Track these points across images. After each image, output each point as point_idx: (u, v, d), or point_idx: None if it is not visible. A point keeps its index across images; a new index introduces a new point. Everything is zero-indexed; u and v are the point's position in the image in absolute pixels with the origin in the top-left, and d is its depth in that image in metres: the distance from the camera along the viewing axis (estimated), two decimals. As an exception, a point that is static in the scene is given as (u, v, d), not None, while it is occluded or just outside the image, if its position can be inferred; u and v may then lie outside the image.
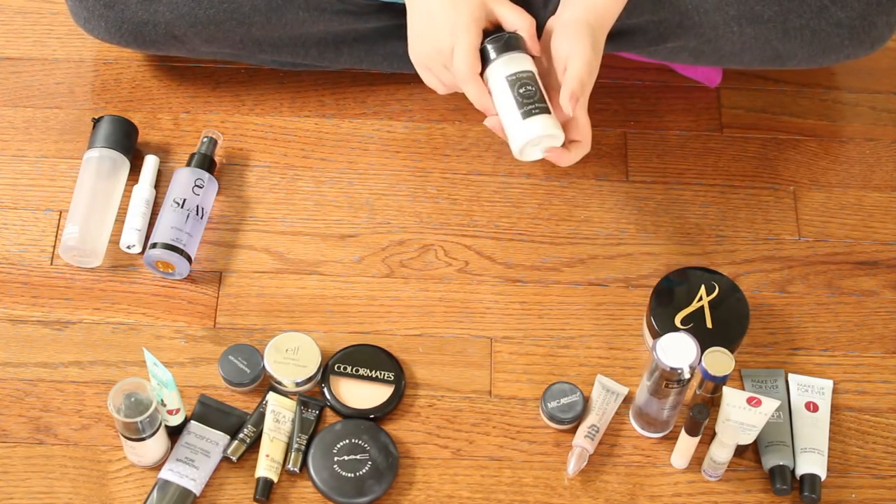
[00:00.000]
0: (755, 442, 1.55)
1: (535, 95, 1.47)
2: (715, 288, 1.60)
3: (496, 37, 1.48)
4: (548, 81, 1.50)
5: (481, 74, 1.49)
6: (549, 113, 1.47)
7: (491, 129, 1.50)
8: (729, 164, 1.76)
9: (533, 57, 1.50)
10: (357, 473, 1.51)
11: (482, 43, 1.48)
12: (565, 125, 1.49)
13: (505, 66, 1.48)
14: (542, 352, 1.62)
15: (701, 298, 1.59)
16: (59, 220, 1.67)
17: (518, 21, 1.49)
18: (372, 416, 1.56)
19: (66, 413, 1.55)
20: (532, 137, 1.47)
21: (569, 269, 1.67)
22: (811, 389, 1.59)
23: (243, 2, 1.65)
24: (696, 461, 1.55)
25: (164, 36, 1.67)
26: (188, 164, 1.68)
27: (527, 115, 1.46)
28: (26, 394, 1.56)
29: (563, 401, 1.56)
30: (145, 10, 1.65)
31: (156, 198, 1.69)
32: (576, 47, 1.47)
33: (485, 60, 1.49)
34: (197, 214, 1.64)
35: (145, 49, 1.71)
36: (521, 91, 1.47)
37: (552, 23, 1.51)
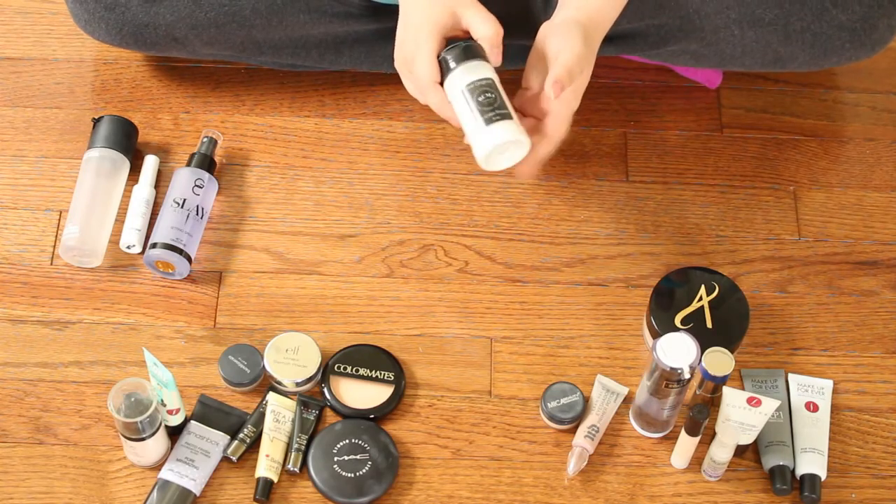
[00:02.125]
0: (755, 442, 1.55)
1: (496, 102, 1.45)
2: (715, 288, 1.60)
3: (453, 46, 1.46)
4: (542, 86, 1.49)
5: (442, 83, 1.48)
6: (511, 119, 1.45)
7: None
8: (729, 164, 1.76)
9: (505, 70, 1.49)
10: (357, 473, 1.51)
11: (440, 53, 1.47)
12: (542, 123, 1.48)
13: (463, 75, 1.46)
14: (542, 352, 1.62)
15: (701, 298, 1.59)
16: (59, 220, 1.67)
17: (483, 29, 1.47)
18: (372, 416, 1.56)
19: (66, 413, 1.55)
20: (496, 144, 1.44)
21: (569, 269, 1.67)
22: (811, 389, 1.59)
23: (244, 4, 1.65)
24: (696, 461, 1.55)
25: (165, 38, 1.67)
26: (188, 164, 1.68)
27: (488, 122, 1.44)
28: (26, 394, 1.56)
29: (563, 401, 1.56)
30: (146, 13, 1.65)
31: (156, 198, 1.69)
32: (566, 43, 1.46)
33: (445, 71, 1.47)
34: (197, 214, 1.64)
35: (146, 51, 1.71)
36: (480, 99, 1.45)
37: (545, 26, 1.50)
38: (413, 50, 1.47)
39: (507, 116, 1.45)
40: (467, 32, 1.49)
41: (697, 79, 1.80)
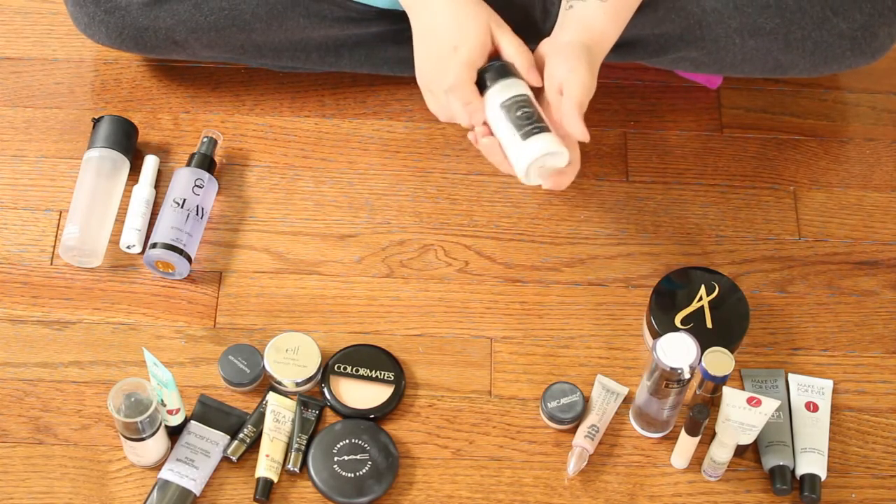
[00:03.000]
0: (755, 442, 1.55)
1: (534, 116, 1.44)
2: (715, 288, 1.60)
3: (488, 66, 1.46)
4: (540, 103, 1.48)
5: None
6: (549, 132, 1.44)
7: (485, 154, 1.49)
8: (729, 164, 1.76)
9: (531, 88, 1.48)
10: (357, 473, 1.51)
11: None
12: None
13: (499, 93, 1.45)
14: (542, 352, 1.62)
15: (701, 298, 1.59)
16: (59, 220, 1.67)
17: (516, 56, 1.46)
18: (372, 416, 1.56)
19: (66, 413, 1.55)
20: (537, 155, 1.43)
21: (569, 269, 1.67)
22: (811, 389, 1.59)
23: (244, 8, 1.65)
24: (696, 461, 1.55)
25: (165, 41, 1.67)
26: (188, 164, 1.68)
27: (527, 135, 1.43)
28: (26, 394, 1.56)
29: (563, 401, 1.56)
30: (146, 16, 1.65)
31: (156, 198, 1.69)
32: (574, 72, 1.44)
33: (480, 90, 1.46)
34: (197, 214, 1.64)
35: (146, 54, 1.72)
36: (518, 114, 1.44)
37: (547, 45, 1.49)
38: (450, 72, 1.46)
39: (546, 129, 1.44)
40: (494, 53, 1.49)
41: (697, 79, 1.80)
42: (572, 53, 1.46)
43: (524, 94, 1.46)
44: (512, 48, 1.47)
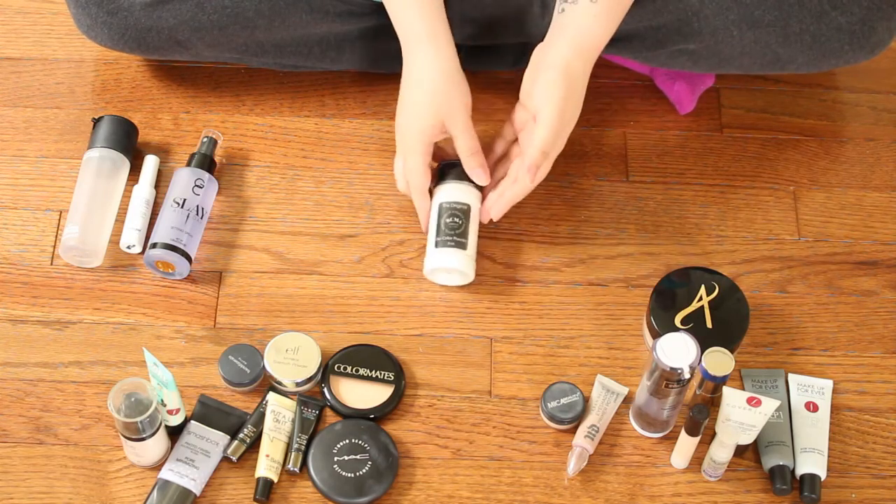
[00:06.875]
0: (755, 442, 1.55)
1: (458, 229, 1.58)
2: (715, 288, 1.60)
3: (452, 162, 1.60)
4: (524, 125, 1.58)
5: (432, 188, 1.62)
6: (463, 249, 1.58)
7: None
8: (729, 164, 1.76)
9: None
10: (357, 473, 1.51)
11: (439, 163, 1.61)
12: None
13: (446, 192, 1.60)
14: (542, 352, 1.62)
15: (701, 298, 1.59)
16: (60, 220, 1.67)
17: (461, 145, 1.57)
18: (372, 416, 1.56)
19: (66, 413, 1.55)
20: (435, 267, 1.59)
21: (569, 269, 1.67)
22: (811, 389, 1.59)
23: (247, 6, 1.65)
24: (696, 461, 1.55)
25: (168, 42, 1.67)
26: (188, 164, 1.68)
27: (440, 244, 1.58)
28: (26, 394, 1.56)
29: (563, 401, 1.56)
30: (148, 17, 1.65)
31: (156, 198, 1.69)
32: (544, 111, 1.54)
33: (437, 179, 1.61)
34: (197, 214, 1.64)
35: (149, 55, 1.71)
36: (447, 220, 1.58)
37: (535, 57, 1.55)
38: (408, 152, 1.58)
39: (462, 246, 1.58)
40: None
41: (671, 97, 1.79)
42: (551, 84, 1.53)
43: (466, 204, 1.59)
44: (460, 138, 1.57)
